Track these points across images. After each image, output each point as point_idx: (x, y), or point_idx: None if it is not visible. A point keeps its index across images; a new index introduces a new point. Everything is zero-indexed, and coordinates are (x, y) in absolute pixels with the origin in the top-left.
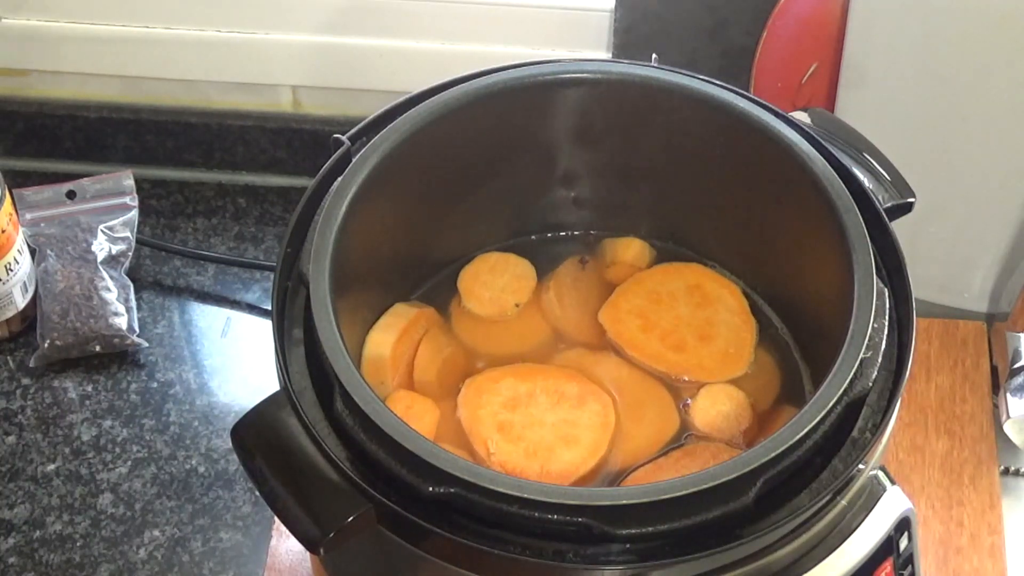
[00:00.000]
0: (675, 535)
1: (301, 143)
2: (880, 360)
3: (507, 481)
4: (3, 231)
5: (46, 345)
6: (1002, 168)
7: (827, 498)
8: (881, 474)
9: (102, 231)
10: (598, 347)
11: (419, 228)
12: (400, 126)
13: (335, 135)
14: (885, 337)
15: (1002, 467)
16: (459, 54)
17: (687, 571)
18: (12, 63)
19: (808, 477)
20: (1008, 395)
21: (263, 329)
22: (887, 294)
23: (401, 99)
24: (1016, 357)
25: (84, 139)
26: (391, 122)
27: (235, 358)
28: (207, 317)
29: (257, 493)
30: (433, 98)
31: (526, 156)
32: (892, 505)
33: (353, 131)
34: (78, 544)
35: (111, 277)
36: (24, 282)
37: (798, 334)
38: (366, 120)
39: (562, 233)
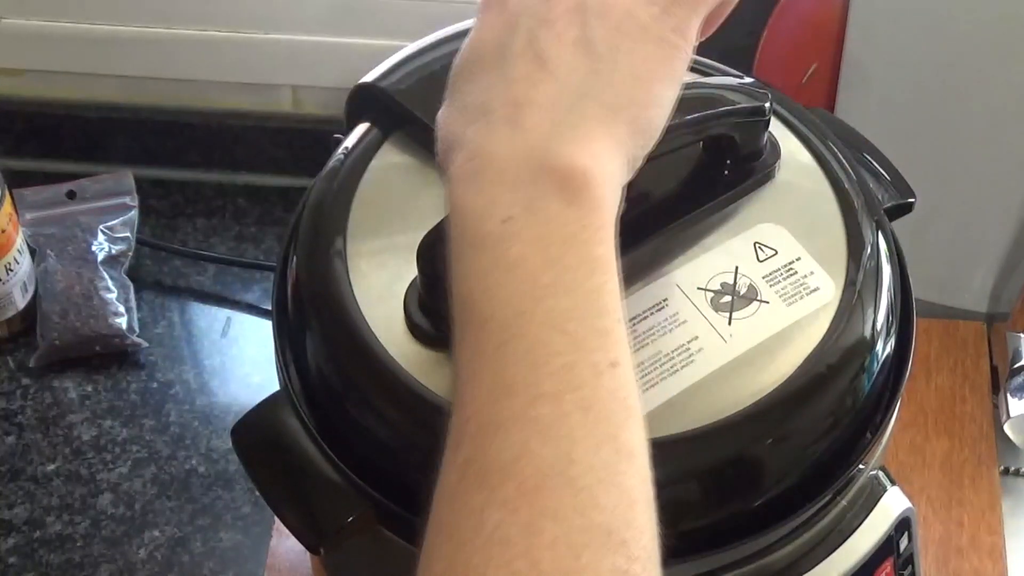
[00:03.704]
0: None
1: (301, 143)
2: None
3: None
4: (3, 231)
5: (46, 345)
6: (1002, 168)
7: (827, 498)
8: (881, 474)
9: (102, 231)
10: None
11: None
12: None
13: (335, 135)
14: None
15: (1002, 467)
16: None
17: (686, 571)
18: (12, 63)
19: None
20: (1008, 395)
21: (263, 329)
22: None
23: None
24: (1016, 357)
25: (84, 139)
26: None
27: (235, 358)
28: (207, 317)
29: (257, 493)
30: None
31: None
32: (892, 505)
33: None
34: (78, 544)
35: (111, 277)
36: (24, 282)
37: None
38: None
39: None
